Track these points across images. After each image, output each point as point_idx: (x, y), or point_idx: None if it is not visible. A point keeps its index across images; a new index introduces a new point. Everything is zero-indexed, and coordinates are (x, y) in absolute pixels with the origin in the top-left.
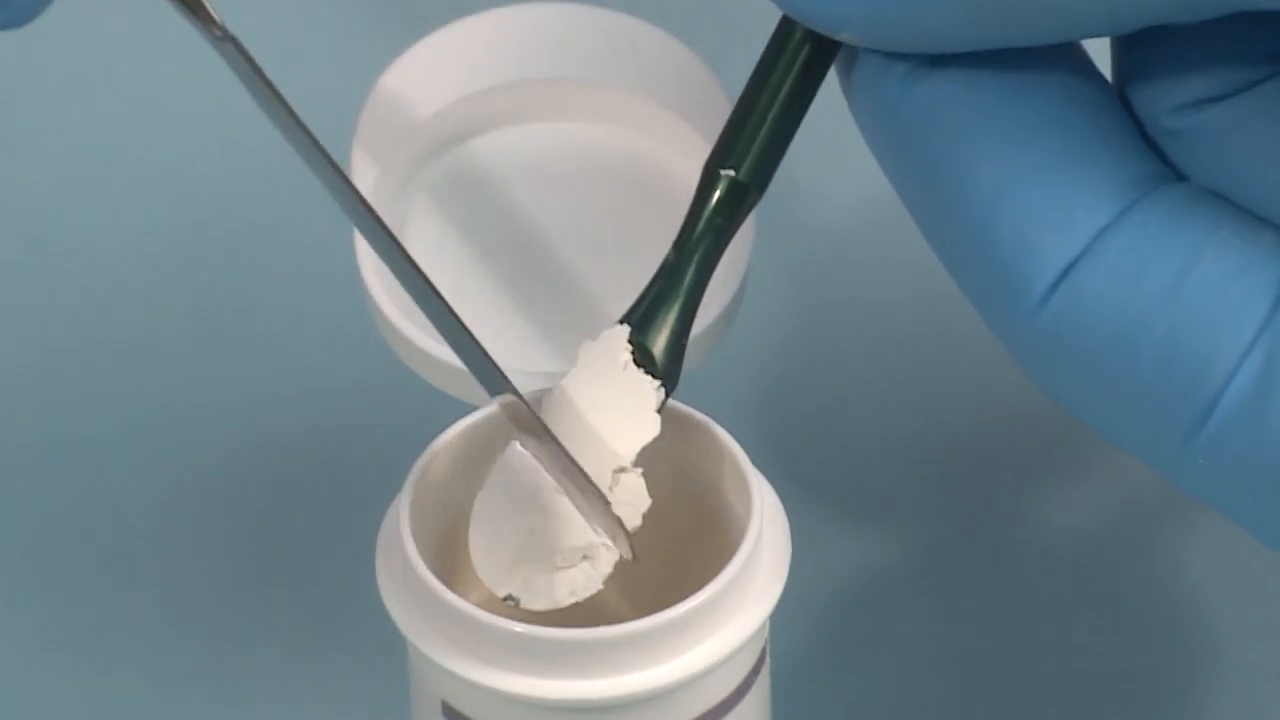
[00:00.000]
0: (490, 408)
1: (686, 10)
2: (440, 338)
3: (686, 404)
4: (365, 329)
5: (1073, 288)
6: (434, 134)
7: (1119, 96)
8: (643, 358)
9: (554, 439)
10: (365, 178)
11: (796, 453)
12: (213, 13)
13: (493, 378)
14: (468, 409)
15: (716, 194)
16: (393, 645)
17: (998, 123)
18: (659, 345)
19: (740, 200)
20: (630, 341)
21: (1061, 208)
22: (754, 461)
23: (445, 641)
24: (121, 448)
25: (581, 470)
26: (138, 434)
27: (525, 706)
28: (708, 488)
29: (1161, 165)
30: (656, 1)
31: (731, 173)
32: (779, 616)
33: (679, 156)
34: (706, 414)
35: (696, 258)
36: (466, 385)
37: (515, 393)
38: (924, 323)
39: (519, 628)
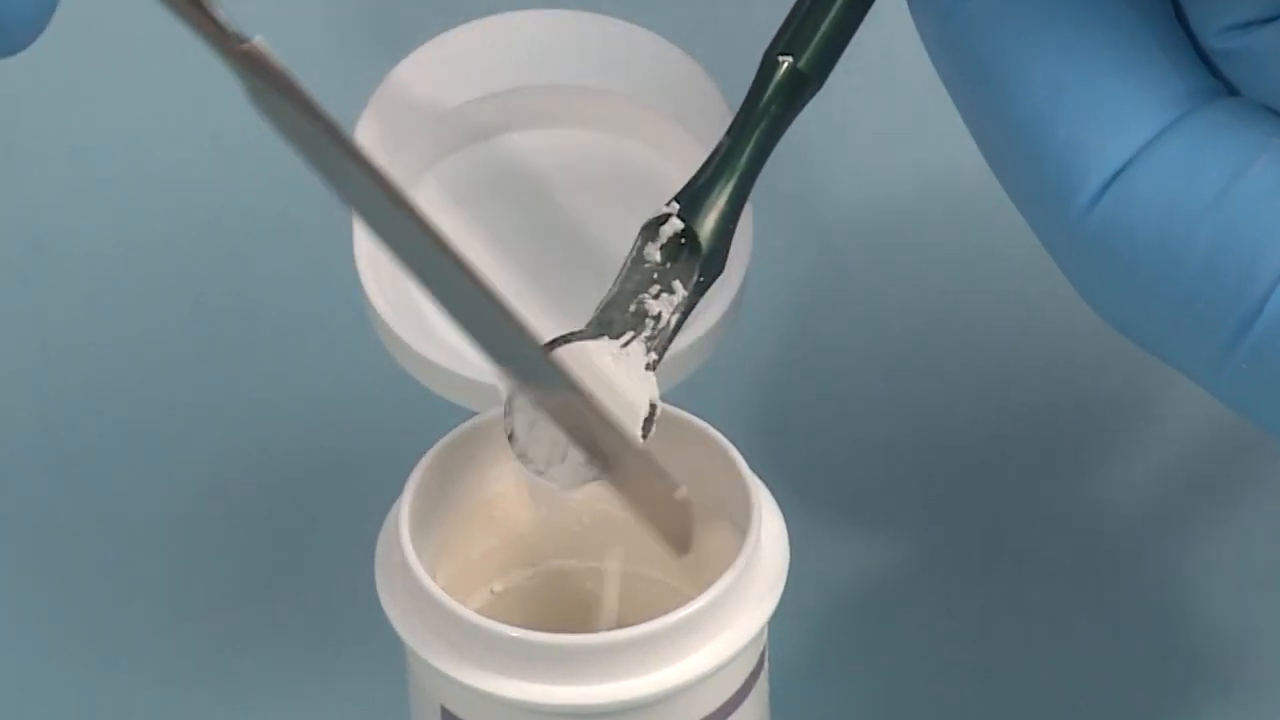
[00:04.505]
0: (488, 413)
1: (686, 17)
2: (438, 344)
3: (685, 409)
4: (364, 335)
5: (1122, 191)
6: (431, 141)
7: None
8: (688, 240)
9: (587, 397)
10: None
11: (795, 457)
12: (225, 24)
13: (531, 361)
14: (466, 414)
15: (774, 80)
16: (392, 650)
17: (1057, 26)
18: (705, 228)
19: (798, 89)
20: (680, 219)
21: (1116, 113)
22: (752, 466)
23: (444, 647)
24: (121, 452)
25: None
26: (138, 439)
27: (524, 712)
28: (706, 492)
29: (1214, 80)
30: (656, 8)
31: (790, 59)
32: (778, 620)
33: (677, 163)
34: (705, 418)
35: (751, 142)
36: (465, 390)
37: (566, 378)
38: (923, 326)
39: (516, 633)
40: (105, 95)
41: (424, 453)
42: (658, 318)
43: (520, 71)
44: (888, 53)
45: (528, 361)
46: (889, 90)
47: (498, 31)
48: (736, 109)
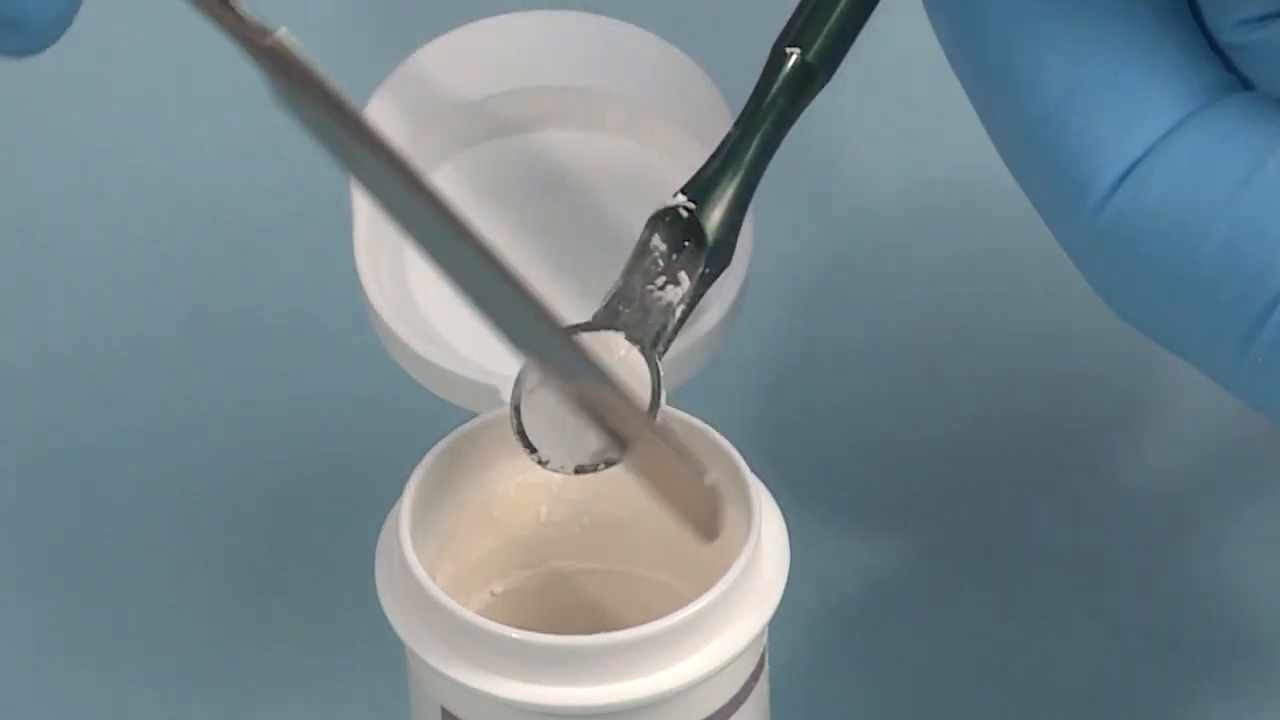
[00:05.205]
0: (487, 414)
1: (687, 19)
2: (438, 343)
3: (685, 410)
4: (365, 336)
5: (1137, 185)
6: (434, 142)
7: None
8: (695, 232)
9: (603, 374)
10: None
11: (795, 459)
12: (248, 19)
13: (542, 332)
14: (466, 415)
15: (783, 72)
16: (392, 651)
17: (1072, 20)
18: (712, 219)
19: (807, 81)
20: (686, 210)
21: (1131, 107)
22: (752, 467)
23: (444, 648)
24: (122, 453)
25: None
26: (138, 439)
27: (524, 713)
28: None
29: (1229, 74)
30: (658, 10)
31: (798, 51)
32: (778, 621)
33: (677, 165)
34: (705, 420)
35: (759, 135)
36: (464, 391)
37: (572, 335)
38: (923, 328)
39: (517, 634)
40: (105, 95)
41: (424, 454)
42: (664, 308)
43: (521, 72)
44: (894, 51)
45: (550, 346)
46: (894, 89)
47: (501, 32)
48: (739, 109)
